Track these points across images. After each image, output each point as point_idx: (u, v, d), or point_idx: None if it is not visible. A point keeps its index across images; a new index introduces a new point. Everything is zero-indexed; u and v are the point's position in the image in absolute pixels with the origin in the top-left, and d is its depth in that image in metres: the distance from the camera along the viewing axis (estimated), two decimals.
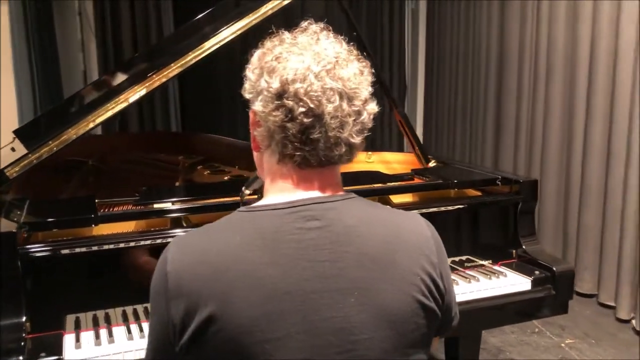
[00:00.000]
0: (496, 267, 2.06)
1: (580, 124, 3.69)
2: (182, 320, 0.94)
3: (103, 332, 1.63)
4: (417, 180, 2.19)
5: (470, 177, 2.23)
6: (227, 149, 3.43)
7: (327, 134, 0.98)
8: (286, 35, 1.06)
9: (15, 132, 2.12)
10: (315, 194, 1.03)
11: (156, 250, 1.76)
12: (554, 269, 1.97)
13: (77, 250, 1.66)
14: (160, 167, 2.95)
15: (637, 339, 3.26)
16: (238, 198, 1.84)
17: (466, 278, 1.95)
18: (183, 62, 2.08)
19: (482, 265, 2.06)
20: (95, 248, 1.68)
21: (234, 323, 0.91)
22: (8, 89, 3.99)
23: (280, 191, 1.04)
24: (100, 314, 1.71)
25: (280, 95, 0.98)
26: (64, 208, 1.83)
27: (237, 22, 2.11)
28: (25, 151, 2.00)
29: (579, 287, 3.67)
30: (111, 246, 1.70)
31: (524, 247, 2.09)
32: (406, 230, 1.05)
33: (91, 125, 2.01)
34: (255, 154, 1.12)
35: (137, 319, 1.70)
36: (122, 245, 1.71)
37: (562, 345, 3.19)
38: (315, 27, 1.07)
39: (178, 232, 1.77)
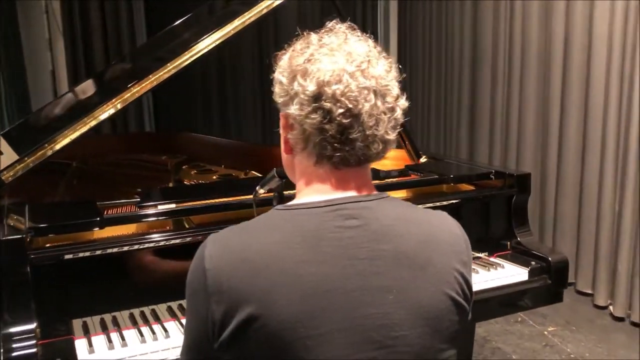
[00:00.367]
0: (493, 259, 2.11)
1: (555, 116, 3.78)
2: (222, 317, 0.94)
3: (114, 335, 1.61)
4: (413, 176, 2.22)
5: (465, 172, 2.27)
6: (210, 148, 3.42)
7: (365, 132, 1.00)
8: (313, 36, 1.07)
9: (3, 135, 2.08)
10: (351, 193, 1.05)
11: (163, 252, 1.75)
12: (550, 259, 2.04)
13: (85, 254, 1.64)
14: (147, 168, 2.92)
15: (615, 324, 3.38)
16: (240, 197, 1.87)
17: None
18: (165, 71, 2.08)
19: (479, 258, 2.11)
20: (101, 252, 1.66)
21: (276, 320, 0.92)
22: None
23: (317, 192, 1.05)
24: (108, 317, 1.70)
25: (317, 97, 0.98)
26: (66, 212, 1.80)
27: (219, 29, 2.11)
28: (13, 154, 1.96)
29: None
30: (118, 249, 1.68)
31: (518, 238, 2.15)
32: (439, 229, 1.07)
33: (88, 126, 1.98)
34: (285, 156, 1.12)
35: (146, 321, 1.69)
36: (128, 247, 1.69)
37: (545, 333, 3.29)
38: (342, 26, 1.09)
39: (184, 233, 1.78)
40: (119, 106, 2.03)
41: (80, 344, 1.57)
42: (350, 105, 0.98)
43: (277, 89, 1.06)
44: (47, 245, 1.65)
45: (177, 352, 1.58)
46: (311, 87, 0.98)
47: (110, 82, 2.17)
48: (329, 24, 1.10)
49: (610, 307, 3.49)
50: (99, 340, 1.59)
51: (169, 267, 1.79)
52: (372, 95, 1.00)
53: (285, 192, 1.49)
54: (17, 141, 2.03)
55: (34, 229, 1.59)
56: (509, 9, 4.10)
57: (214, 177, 2.80)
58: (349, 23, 1.10)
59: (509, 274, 2.01)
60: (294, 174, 1.12)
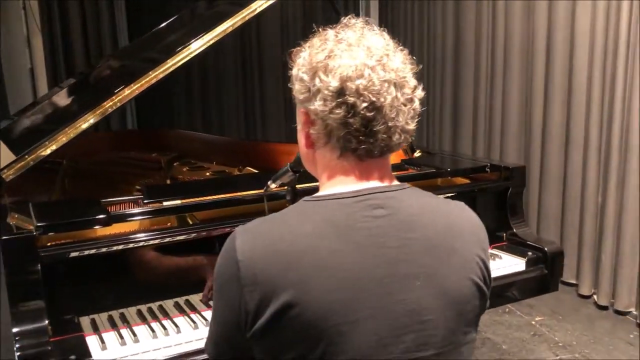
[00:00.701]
0: (490, 251, 2.15)
1: (538, 111, 3.85)
2: (256, 307, 0.96)
3: (125, 332, 1.62)
4: (410, 170, 2.26)
5: (461, 165, 2.31)
6: (198, 144, 3.41)
7: (387, 124, 1.03)
8: (330, 32, 1.09)
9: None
10: (375, 183, 1.07)
11: (170, 248, 1.76)
12: (546, 249, 2.09)
13: (93, 251, 1.64)
14: (140, 166, 2.91)
15: (599, 312, 3.47)
16: (244, 193, 1.89)
17: None
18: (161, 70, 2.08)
19: None
20: (109, 249, 1.66)
21: (311, 309, 0.94)
22: None
23: (342, 183, 1.07)
24: (115, 314, 1.70)
25: (341, 92, 1.00)
26: (72, 209, 1.79)
27: (210, 31, 2.13)
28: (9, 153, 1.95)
29: None
30: (127, 246, 1.69)
31: (514, 230, 2.20)
32: (461, 218, 1.12)
33: (86, 124, 1.98)
34: (305, 151, 1.14)
35: (155, 317, 1.70)
36: (134, 245, 1.70)
37: (533, 322, 3.36)
38: (357, 22, 1.11)
39: (189, 229, 1.79)
40: (118, 104, 2.03)
41: (91, 341, 1.57)
42: (374, 99, 1.00)
43: (297, 86, 1.07)
44: (49, 243, 1.64)
45: (190, 347, 1.59)
46: (334, 83, 1.00)
47: (119, 72, 2.16)
48: (344, 20, 1.12)
49: (594, 297, 3.57)
50: (110, 336, 1.60)
51: (176, 263, 1.80)
52: (392, 88, 1.03)
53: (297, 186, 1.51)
54: (15, 139, 2.02)
55: (43, 227, 1.58)
56: (491, 8, 4.16)
57: (207, 174, 2.80)
58: (364, 18, 1.13)
59: (507, 264, 2.06)
60: (315, 168, 1.14)
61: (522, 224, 2.23)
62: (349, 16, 1.13)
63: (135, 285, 1.75)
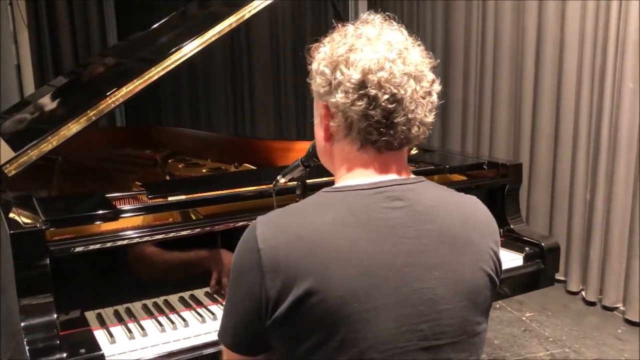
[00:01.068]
0: None
1: (528, 109, 3.90)
2: (277, 294, 0.97)
3: (132, 326, 1.62)
4: (410, 167, 2.28)
5: (457, 162, 2.35)
6: (192, 141, 3.41)
7: (407, 116, 1.06)
8: (350, 27, 1.11)
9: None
10: (393, 176, 1.10)
11: (174, 244, 1.77)
12: (543, 244, 2.13)
13: (98, 246, 1.64)
14: (136, 163, 2.91)
15: (588, 308, 3.53)
16: (250, 188, 1.90)
17: None
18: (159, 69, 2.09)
19: None
20: (115, 244, 1.66)
21: (333, 296, 0.97)
22: None
23: (361, 175, 1.10)
24: (121, 309, 1.71)
25: (362, 85, 1.03)
26: (78, 204, 1.79)
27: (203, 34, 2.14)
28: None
29: None
30: (131, 241, 1.69)
31: (511, 225, 2.23)
32: (475, 211, 1.15)
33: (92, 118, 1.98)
34: (323, 144, 1.16)
35: (161, 311, 1.71)
36: (139, 239, 1.70)
37: (523, 318, 3.42)
38: (376, 18, 1.13)
39: (195, 223, 1.80)
40: (120, 99, 2.04)
41: (99, 335, 1.57)
42: (395, 91, 1.03)
43: (318, 79, 1.09)
44: (55, 238, 1.64)
45: (199, 340, 1.60)
46: (356, 76, 1.03)
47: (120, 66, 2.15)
48: (363, 15, 1.15)
49: (583, 293, 3.64)
50: (118, 330, 1.60)
51: (181, 258, 1.80)
52: (412, 81, 1.05)
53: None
54: (15, 135, 2.01)
55: (50, 221, 1.58)
56: (481, 7, 4.21)
57: (204, 170, 2.81)
58: (382, 14, 1.15)
59: (504, 259, 2.07)
60: (332, 161, 1.16)
61: (519, 220, 2.27)
62: (367, 12, 1.15)
63: (140, 280, 1.76)
